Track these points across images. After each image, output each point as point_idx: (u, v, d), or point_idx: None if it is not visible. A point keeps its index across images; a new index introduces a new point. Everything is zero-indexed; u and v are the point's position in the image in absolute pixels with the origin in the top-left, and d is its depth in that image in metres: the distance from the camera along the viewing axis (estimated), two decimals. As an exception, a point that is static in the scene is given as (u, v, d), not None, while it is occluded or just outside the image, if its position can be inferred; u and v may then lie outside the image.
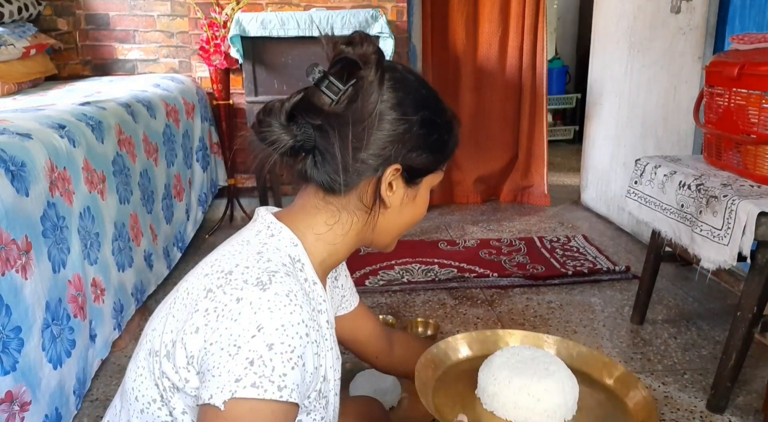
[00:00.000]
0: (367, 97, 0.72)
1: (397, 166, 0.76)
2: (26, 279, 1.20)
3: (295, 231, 0.77)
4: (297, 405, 0.64)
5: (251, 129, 0.75)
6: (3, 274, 1.12)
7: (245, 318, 0.62)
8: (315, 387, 0.72)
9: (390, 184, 0.77)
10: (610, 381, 1.01)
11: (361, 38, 0.74)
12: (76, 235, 1.47)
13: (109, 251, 1.67)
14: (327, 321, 0.78)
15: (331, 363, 0.77)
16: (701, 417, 1.48)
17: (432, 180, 0.83)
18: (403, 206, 0.80)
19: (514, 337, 1.10)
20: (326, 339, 0.76)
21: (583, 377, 1.00)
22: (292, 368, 0.62)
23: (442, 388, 0.96)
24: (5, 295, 1.12)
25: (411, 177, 0.79)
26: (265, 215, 0.79)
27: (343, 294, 1.01)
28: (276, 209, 0.83)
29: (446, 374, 1.00)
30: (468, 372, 0.98)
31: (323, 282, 0.82)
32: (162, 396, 0.71)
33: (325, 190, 0.77)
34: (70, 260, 1.42)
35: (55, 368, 1.27)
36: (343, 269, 1.02)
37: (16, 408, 1.12)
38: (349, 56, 0.73)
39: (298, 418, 0.69)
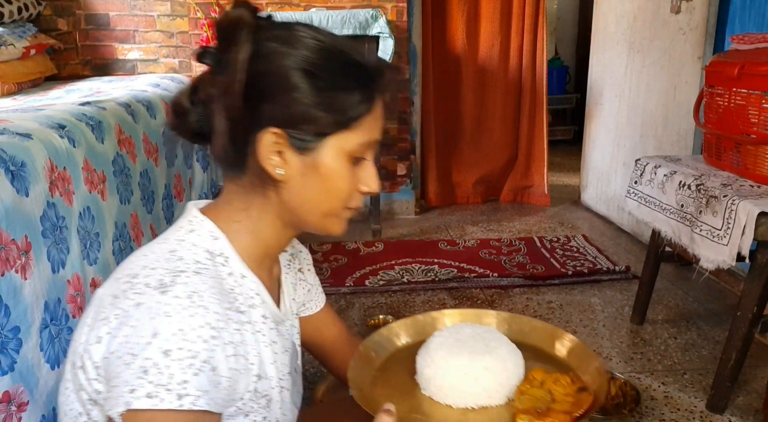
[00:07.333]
0: (236, 56, 0.66)
1: (275, 129, 0.67)
2: (25, 279, 1.20)
3: (219, 223, 0.72)
4: (210, 412, 0.60)
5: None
6: (2, 274, 1.12)
7: (142, 325, 0.59)
8: (247, 388, 0.67)
9: (280, 153, 0.68)
10: (562, 354, 0.94)
11: (236, 3, 0.68)
12: (76, 235, 1.47)
13: (110, 251, 1.67)
14: (264, 316, 0.74)
15: (273, 359, 0.73)
16: (701, 417, 1.48)
17: (341, 143, 0.69)
18: (306, 178, 0.69)
19: (454, 317, 1.02)
20: (263, 334, 0.72)
21: (532, 351, 0.93)
22: (195, 374, 0.58)
23: (383, 377, 0.89)
24: (4, 295, 1.12)
25: (302, 142, 0.68)
26: (190, 209, 0.74)
27: (308, 289, 0.96)
28: (207, 202, 0.79)
29: (388, 362, 0.93)
30: (410, 358, 0.90)
31: (263, 273, 0.77)
32: (85, 411, 0.67)
33: (230, 172, 0.73)
34: (69, 260, 1.41)
35: (52, 368, 1.27)
36: (306, 262, 0.96)
37: (14, 408, 1.12)
38: (221, 23, 0.69)
39: (236, 420, 0.67)
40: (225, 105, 0.67)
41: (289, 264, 0.90)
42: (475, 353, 0.83)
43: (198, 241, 0.69)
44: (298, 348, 0.89)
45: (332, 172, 0.69)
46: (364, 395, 0.80)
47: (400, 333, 0.98)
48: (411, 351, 0.90)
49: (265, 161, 0.68)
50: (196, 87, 0.71)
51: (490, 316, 1.01)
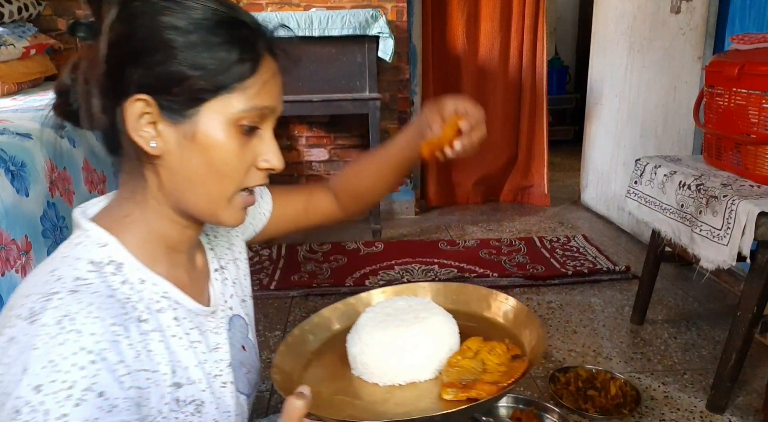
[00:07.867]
0: (101, 23, 0.60)
1: (142, 96, 0.60)
2: (26, 279, 1.20)
3: (111, 225, 0.65)
4: None
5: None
6: (3, 274, 1.13)
7: (13, 361, 0.54)
8: (163, 401, 0.62)
9: (153, 124, 0.61)
10: (506, 320, 0.89)
11: None
12: (76, 235, 1.47)
13: (109, 251, 1.67)
14: (177, 318, 0.66)
15: (197, 361, 0.68)
16: (701, 417, 1.48)
17: (222, 109, 0.61)
18: (185, 151, 0.62)
19: (387, 292, 0.96)
20: (179, 338, 0.66)
21: (474, 320, 0.88)
22: (76, 405, 0.52)
23: (317, 360, 0.84)
24: (5, 295, 1.12)
25: (176, 110, 0.61)
26: (76, 219, 0.66)
27: (251, 220, 0.89)
28: (100, 204, 0.70)
29: (325, 345, 0.88)
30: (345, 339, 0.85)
31: (176, 271, 0.69)
32: None
33: (111, 156, 0.66)
34: (69, 260, 1.42)
35: (54, 368, 1.27)
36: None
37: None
38: None
39: None
40: (90, 75, 0.61)
41: (214, 239, 0.81)
42: (402, 326, 0.77)
43: (82, 253, 0.62)
44: (248, 322, 0.82)
45: (214, 142, 0.61)
46: (290, 379, 0.76)
47: (339, 315, 0.94)
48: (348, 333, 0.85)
49: (134, 133, 0.61)
50: (75, 63, 0.65)
51: (426, 287, 0.96)
